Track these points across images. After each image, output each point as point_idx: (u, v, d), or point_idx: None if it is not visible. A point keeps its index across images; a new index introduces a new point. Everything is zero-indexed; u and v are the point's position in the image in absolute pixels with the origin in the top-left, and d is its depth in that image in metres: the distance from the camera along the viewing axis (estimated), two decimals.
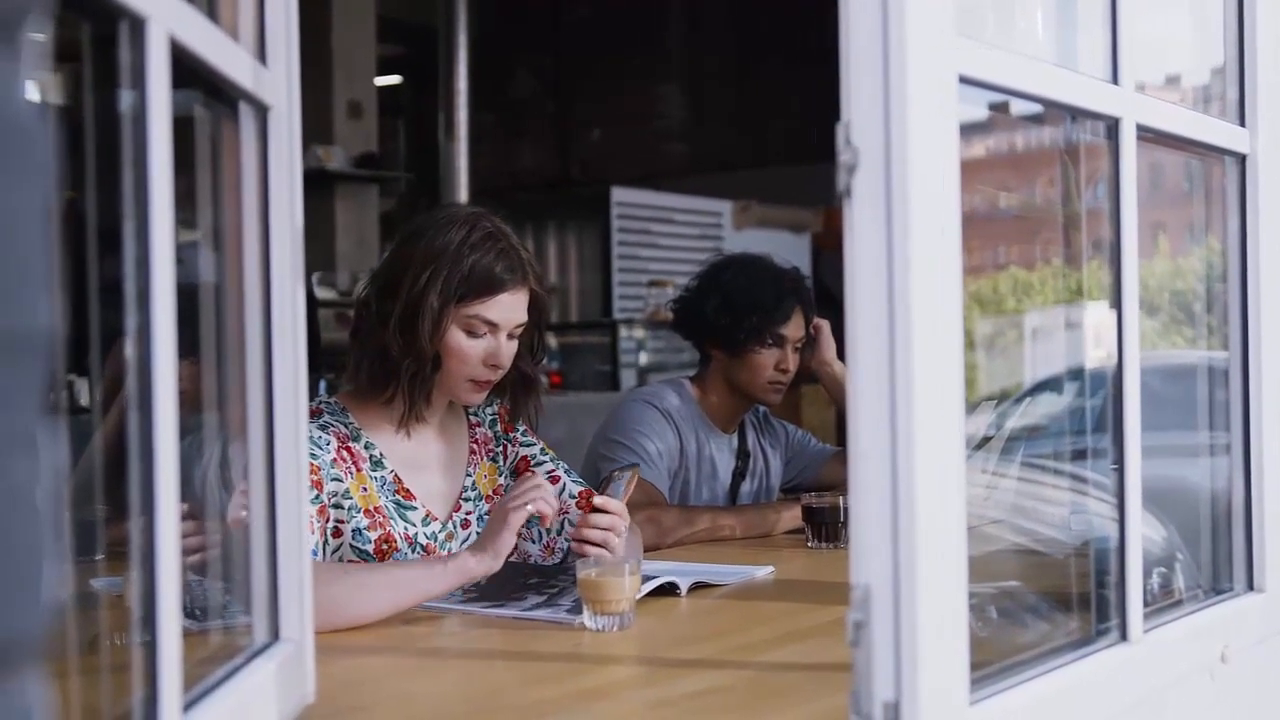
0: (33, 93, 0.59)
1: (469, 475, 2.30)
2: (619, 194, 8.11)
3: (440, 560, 1.98)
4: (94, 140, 1.02)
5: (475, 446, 2.34)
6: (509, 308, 2.17)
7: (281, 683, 1.31)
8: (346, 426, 2.18)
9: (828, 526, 2.60)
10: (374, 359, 2.17)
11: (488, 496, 2.31)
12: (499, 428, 2.37)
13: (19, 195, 0.56)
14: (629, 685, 1.62)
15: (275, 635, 1.35)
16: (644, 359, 7.43)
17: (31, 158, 0.57)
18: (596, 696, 1.54)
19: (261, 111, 1.33)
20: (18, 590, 0.57)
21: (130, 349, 0.99)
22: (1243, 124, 1.78)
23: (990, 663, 1.30)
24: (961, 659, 1.19)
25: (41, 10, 0.60)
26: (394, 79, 9.94)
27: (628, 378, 7.27)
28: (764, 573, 2.31)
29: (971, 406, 1.27)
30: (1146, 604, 1.53)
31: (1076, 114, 1.53)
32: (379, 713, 1.51)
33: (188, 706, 1.07)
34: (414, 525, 2.18)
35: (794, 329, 2.97)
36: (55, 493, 0.60)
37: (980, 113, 1.42)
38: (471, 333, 2.15)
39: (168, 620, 1.00)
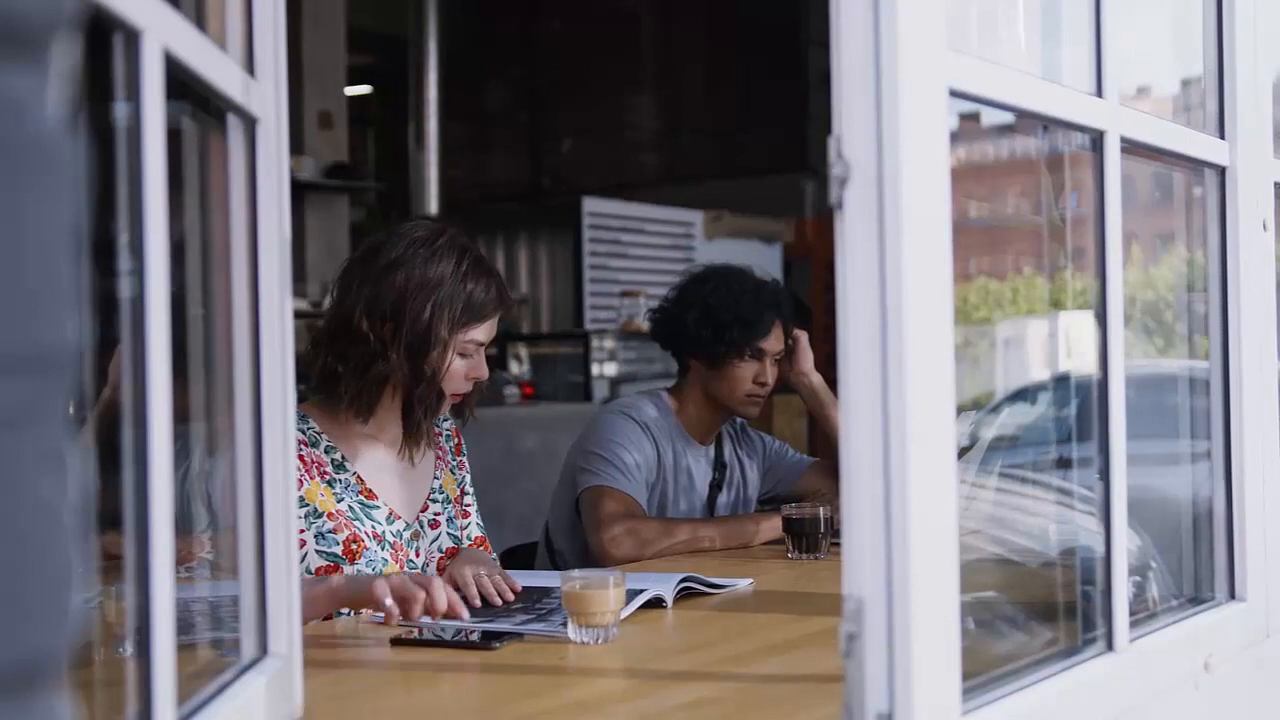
0: (61, 108, 0.59)
1: (436, 478, 2.37)
2: (590, 204, 8.09)
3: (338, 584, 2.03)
4: (85, 152, 1.01)
5: (440, 453, 2.41)
6: (494, 326, 2.29)
7: (270, 698, 1.30)
8: (304, 432, 2.21)
9: (808, 538, 2.60)
10: (374, 385, 2.21)
11: (454, 500, 2.39)
12: (452, 445, 2.45)
13: (49, 211, 0.56)
14: (618, 698, 1.62)
15: (264, 650, 1.34)
16: (616, 370, 7.41)
17: (61, 173, 0.57)
18: (586, 710, 1.53)
19: (250, 124, 1.32)
20: (49, 608, 0.56)
21: (125, 361, 0.99)
22: (1222, 136, 1.79)
23: (980, 673, 1.31)
24: (954, 669, 1.20)
25: (68, 26, 0.60)
26: (364, 89, 9.92)
27: (600, 389, 7.26)
28: (745, 584, 2.31)
29: None
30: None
31: (1062, 126, 1.54)
32: None
33: None
34: (379, 524, 2.23)
35: (774, 343, 2.97)
36: (80, 511, 0.60)
37: (952, 122, 1.42)
38: (463, 355, 2.24)
39: (162, 636, 0.99)
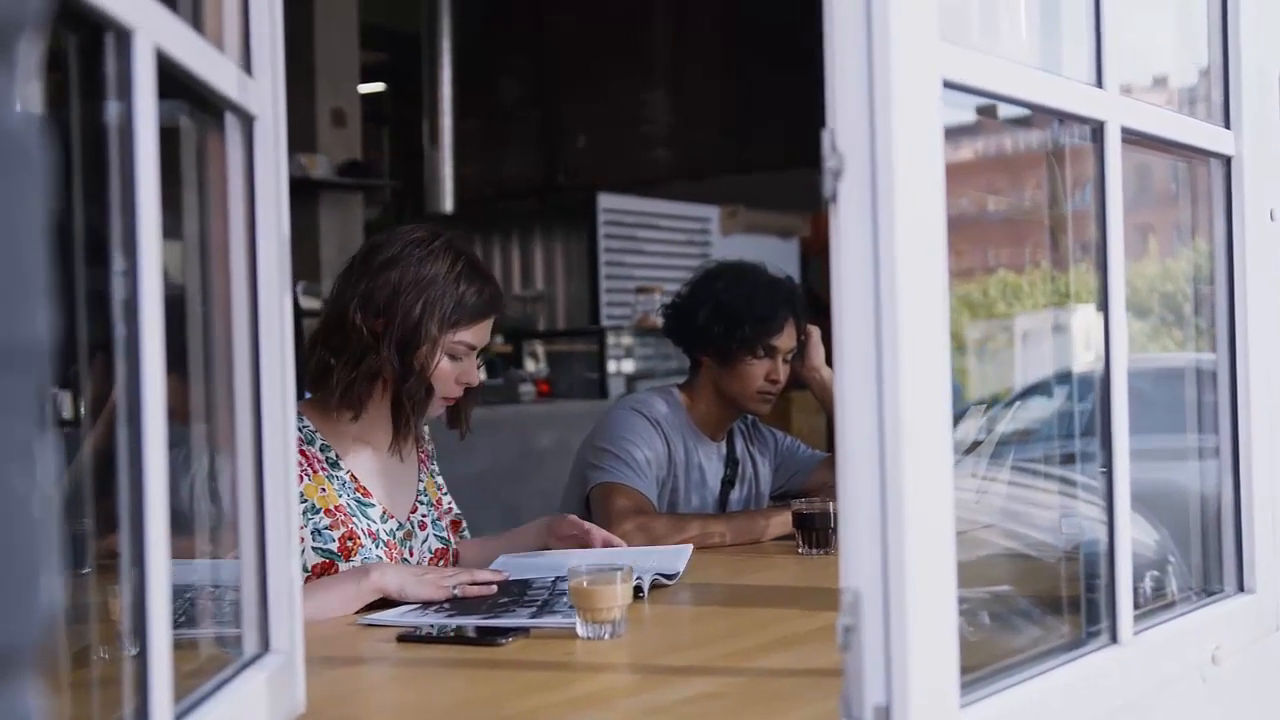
0: (28, 104, 0.60)
1: (420, 481, 2.42)
2: (605, 200, 8.10)
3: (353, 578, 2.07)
4: (79, 151, 1.02)
5: (423, 457, 2.45)
6: (487, 331, 2.31)
7: (272, 694, 1.31)
8: (300, 431, 2.22)
9: (818, 532, 2.60)
10: (364, 379, 2.23)
11: (435, 504, 2.43)
12: (431, 450, 2.50)
13: (19, 206, 0.57)
14: (622, 692, 1.62)
15: (265, 646, 1.35)
16: (633, 366, 7.41)
17: (30, 169, 0.58)
18: (590, 704, 1.54)
19: (247, 122, 1.32)
20: (17, 600, 0.57)
21: (119, 361, 0.99)
22: (1228, 126, 1.78)
23: (981, 666, 1.30)
24: (952, 662, 1.19)
25: (36, 23, 0.60)
26: (377, 86, 9.92)
27: (616, 385, 7.26)
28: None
29: (961, 411, 1.27)
30: (1138, 607, 1.53)
31: (1061, 117, 1.53)
32: None
33: (178, 718, 1.07)
34: (374, 521, 2.27)
35: (786, 340, 2.96)
36: (52, 503, 0.61)
37: (967, 116, 1.42)
38: (453, 356, 2.27)
39: (158, 632, 1.00)
